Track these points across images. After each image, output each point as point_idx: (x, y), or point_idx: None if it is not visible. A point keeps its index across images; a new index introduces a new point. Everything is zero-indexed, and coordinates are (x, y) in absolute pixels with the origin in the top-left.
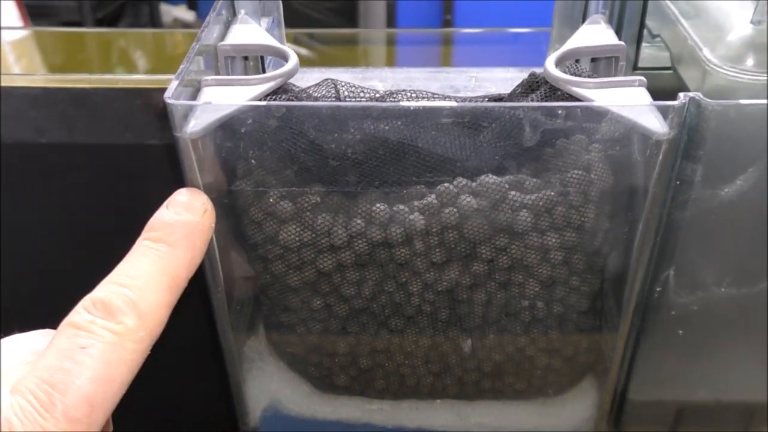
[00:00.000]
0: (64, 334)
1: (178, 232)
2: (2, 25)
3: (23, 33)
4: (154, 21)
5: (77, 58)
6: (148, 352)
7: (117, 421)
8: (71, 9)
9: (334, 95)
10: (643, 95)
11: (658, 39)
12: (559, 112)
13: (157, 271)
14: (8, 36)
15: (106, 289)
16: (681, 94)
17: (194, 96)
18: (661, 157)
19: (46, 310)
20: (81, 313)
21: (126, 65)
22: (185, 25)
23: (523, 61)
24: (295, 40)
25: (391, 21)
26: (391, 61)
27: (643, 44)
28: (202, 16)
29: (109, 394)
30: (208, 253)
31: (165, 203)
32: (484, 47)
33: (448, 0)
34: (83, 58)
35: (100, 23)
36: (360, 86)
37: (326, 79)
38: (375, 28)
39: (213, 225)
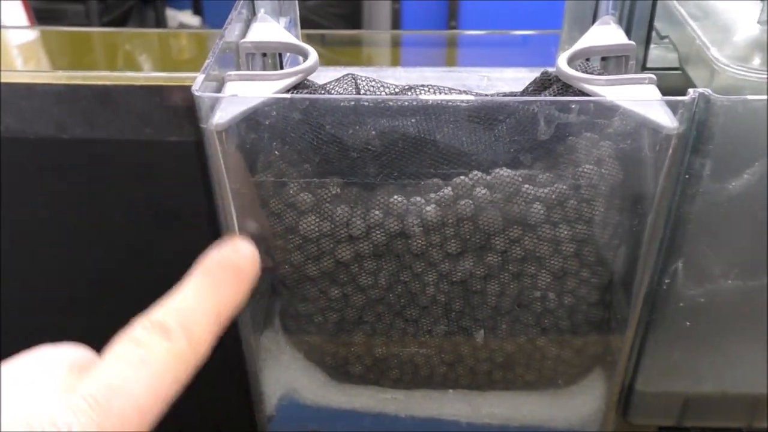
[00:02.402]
0: (124, 347)
1: (228, 273)
2: (11, 26)
3: (31, 36)
4: (160, 26)
5: (84, 61)
6: (191, 376)
7: None
8: (78, 13)
9: (354, 90)
10: (653, 92)
11: (666, 40)
12: (573, 106)
13: (207, 303)
14: (16, 39)
15: (163, 312)
16: (690, 90)
17: (217, 91)
18: (670, 152)
19: (67, 299)
20: (140, 330)
21: (132, 68)
22: None
23: (530, 63)
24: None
25: (396, 27)
26: (397, 63)
27: (652, 45)
28: (207, 20)
29: (157, 407)
30: None
31: (216, 244)
32: (491, 49)
33: (453, 3)
34: (89, 61)
35: (106, 27)
36: (380, 81)
37: (346, 75)
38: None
39: (258, 274)
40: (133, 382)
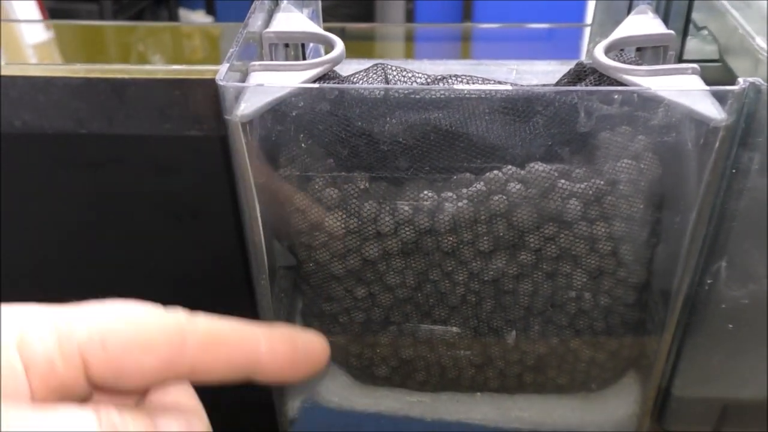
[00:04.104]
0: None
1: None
2: (24, 24)
3: (45, 36)
4: None
5: (97, 59)
6: None
7: None
8: (92, 12)
9: (383, 81)
10: (697, 82)
11: (704, 31)
12: (615, 97)
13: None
14: (31, 38)
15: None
16: (740, 79)
17: (241, 82)
18: (717, 145)
19: (85, 298)
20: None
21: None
22: None
23: (554, 56)
24: None
25: None
26: (420, 56)
27: (688, 36)
28: (219, 20)
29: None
30: (254, 240)
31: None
32: (513, 43)
33: (468, 2)
34: (103, 60)
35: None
36: (410, 70)
37: (375, 65)
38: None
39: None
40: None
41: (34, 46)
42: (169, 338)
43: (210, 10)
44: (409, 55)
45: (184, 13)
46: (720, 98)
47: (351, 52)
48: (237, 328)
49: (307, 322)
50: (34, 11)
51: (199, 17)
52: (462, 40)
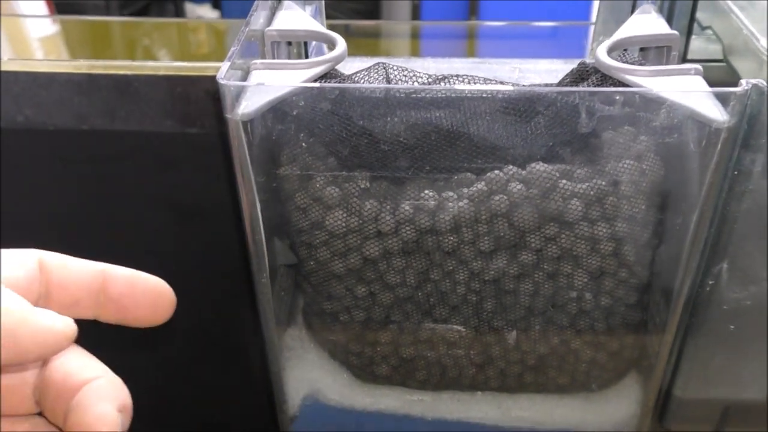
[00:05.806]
0: None
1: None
2: (31, 19)
3: (51, 30)
4: None
5: (104, 54)
6: None
7: (154, 408)
8: (98, 7)
9: (384, 80)
10: (700, 83)
11: (708, 31)
12: (617, 98)
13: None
14: (37, 33)
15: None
16: (743, 81)
17: (242, 81)
18: (719, 147)
19: None
20: None
21: (153, 59)
22: None
23: (558, 55)
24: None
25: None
26: (423, 54)
27: (692, 36)
28: (225, 15)
29: None
30: (254, 239)
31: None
32: (517, 41)
33: (474, 0)
34: (109, 55)
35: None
36: (412, 70)
37: (377, 64)
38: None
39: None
40: None
41: (39, 39)
42: (28, 271)
43: (216, 4)
44: (414, 52)
45: (190, 6)
46: (722, 100)
47: (355, 50)
48: (82, 262)
49: (309, 320)
50: (41, 5)
51: (205, 11)
52: (467, 38)
